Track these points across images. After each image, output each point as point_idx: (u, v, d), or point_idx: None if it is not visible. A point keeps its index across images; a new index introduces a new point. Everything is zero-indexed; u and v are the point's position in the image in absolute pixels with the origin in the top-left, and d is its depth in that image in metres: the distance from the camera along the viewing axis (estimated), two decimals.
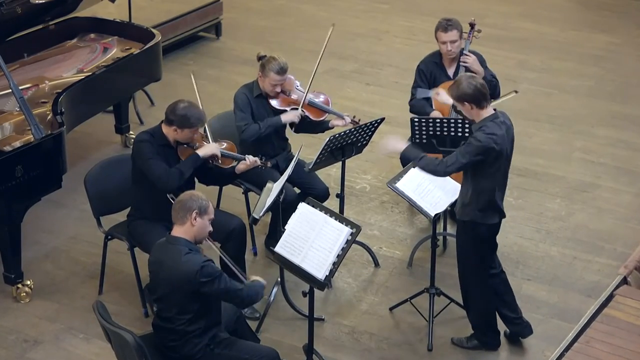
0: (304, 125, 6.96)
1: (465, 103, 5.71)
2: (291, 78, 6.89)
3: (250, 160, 6.33)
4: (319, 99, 6.96)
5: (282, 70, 6.69)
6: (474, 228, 5.89)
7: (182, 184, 6.00)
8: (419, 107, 7.18)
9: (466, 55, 7.08)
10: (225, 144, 6.42)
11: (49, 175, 6.49)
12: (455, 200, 6.23)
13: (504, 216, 5.98)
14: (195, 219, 5.23)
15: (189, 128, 6.09)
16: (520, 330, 6.23)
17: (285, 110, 6.86)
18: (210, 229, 5.34)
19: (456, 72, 7.11)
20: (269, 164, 6.48)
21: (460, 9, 10.98)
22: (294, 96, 6.88)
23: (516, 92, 7.11)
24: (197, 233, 5.28)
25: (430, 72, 7.20)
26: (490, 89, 6.04)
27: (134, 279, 6.44)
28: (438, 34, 7.06)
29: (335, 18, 11.16)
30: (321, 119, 6.93)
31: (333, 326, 6.43)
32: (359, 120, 6.94)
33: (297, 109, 6.81)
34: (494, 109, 5.81)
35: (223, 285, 5.18)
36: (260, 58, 6.79)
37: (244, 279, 5.51)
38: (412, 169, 6.16)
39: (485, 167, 5.74)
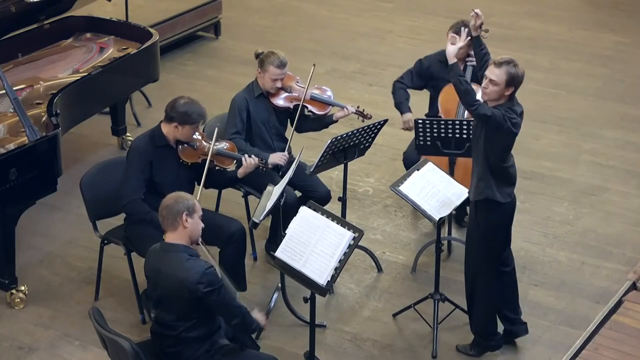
0: (309, 122, 6.93)
1: (512, 88, 5.70)
2: (290, 74, 6.87)
3: (250, 161, 6.24)
4: (321, 93, 6.93)
5: (282, 64, 6.65)
6: (489, 207, 5.81)
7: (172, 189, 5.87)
8: (399, 94, 7.18)
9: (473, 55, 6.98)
10: (226, 144, 6.37)
11: (43, 178, 6.44)
12: (460, 205, 6.24)
13: (515, 202, 5.94)
14: (187, 221, 5.15)
15: (190, 124, 6.07)
16: (516, 330, 6.22)
17: (289, 109, 6.83)
18: (202, 225, 5.26)
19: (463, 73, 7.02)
20: (269, 166, 6.43)
21: (466, 8, 10.80)
22: (295, 93, 6.82)
23: None
24: (192, 234, 5.20)
25: (432, 69, 7.14)
26: None
27: (131, 284, 6.39)
28: (449, 34, 6.95)
29: (337, 17, 11.20)
30: (325, 112, 6.91)
31: (335, 333, 6.39)
32: (364, 110, 6.92)
33: (294, 121, 6.75)
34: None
35: (222, 299, 5.12)
36: (258, 55, 6.77)
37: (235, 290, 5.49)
38: (416, 171, 6.18)
39: (495, 146, 5.71)
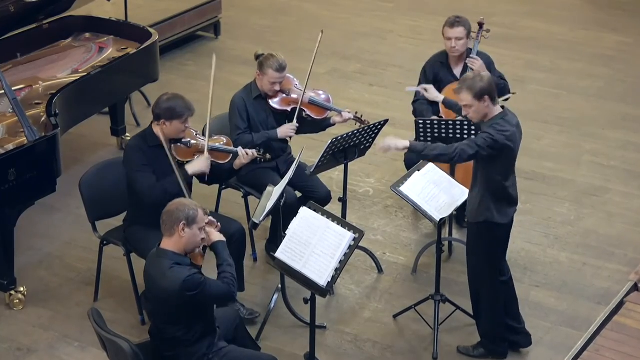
0: (306, 125, 6.89)
1: (486, 97, 5.62)
2: (290, 77, 6.83)
3: (243, 153, 6.24)
4: (320, 97, 6.87)
5: (281, 68, 6.61)
6: (489, 229, 5.81)
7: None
8: (421, 110, 7.12)
9: (473, 58, 6.97)
10: (224, 139, 6.36)
11: (43, 178, 6.42)
12: (461, 205, 6.21)
13: (515, 208, 5.91)
14: (184, 230, 5.12)
15: (178, 119, 6.03)
16: (521, 340, 6.18)
17: (286, 112, 6.79)
18: (203, 236, 5.23)
19: (463, 73, 7.05)
20: (267, 156, 6.41)
21: (467, 8, 10.93)
22: (293, 95, 6.80)
23: (513, 93, 7.17)
24: (187, 244, 5.17)
25: (435, 72, 7.12)
26: (499, 91, 6.02)
27: (131, 285, 6.37)
28: (444, 30, 7.04)
29: (338, 17, 11.18)
30: (323, 117, 6.88)
31: (335, 334, 6.36)
32: (362, 116, 6.89)
33: (292, 121, 6.72)
34: (502, 107, 5.74)
35: (208, 293, 5.10)
36: (258, 56, 6.73)
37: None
38: (417, 172, 6.14)
39: (497, 163, 5.68)
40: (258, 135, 6.64)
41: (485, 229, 5.82)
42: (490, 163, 5.67)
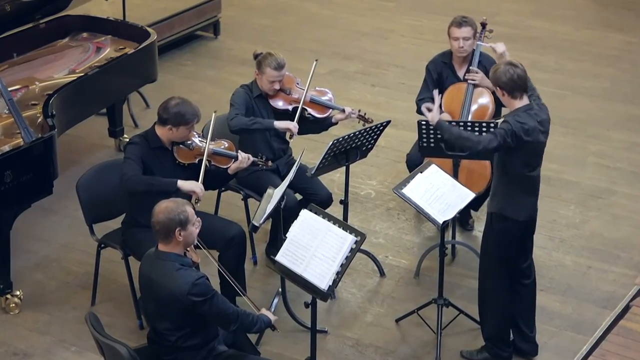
0: (307, 125, 6.85)
1: (498, 88, 5.68)
2: (290, 75, 6.79)
3: (242, 156, 6.19)
4: (322, 95, 6.84)
5: (279, 66, 6.58)
6: (500, 221, 5.78)
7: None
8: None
9: (474, 71, 6.86)
10: (224, 143, 6.31)
11: (39, 180, 6.40)
12: (464, 208, 6.15)
13: (535, 214, 5.87)
14: (180, 235, 5.08)
15: (185, 125, 6.01)
16: (527, 349, 6.14)
17: (287, 111, 6.75)
18: (198, 230, 5.19)
19: (467, 74, 6.95)
20: (269, 163, 6.38)
21: (470, 7, 10.90)
22: (294, 94, 6.74)
23: None
24: (186, 243, 5.15)
25: (439, 72, 7.08)
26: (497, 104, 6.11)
27: (129, 289, 6.35)
28: (451, 30, 6.97)
29: (339, 16, 11.17)
30: (325, 115, 6.84)
31: (336, 339, 6.34)
32: (365, 114, 6.86)
33: (293, 121, 6.66)
34: (530, 100, 5.72)
35: (215, 308, 5.05)
36: (256, 56, 6.70)
37: (244, 295, 5.43)
38: (419, 174, 6.11)
39: (513, 156, 5.64)
40: (255, 119, 6.54)
41: (496, 221, 5.80)
42: (508, 154, 5.64)
